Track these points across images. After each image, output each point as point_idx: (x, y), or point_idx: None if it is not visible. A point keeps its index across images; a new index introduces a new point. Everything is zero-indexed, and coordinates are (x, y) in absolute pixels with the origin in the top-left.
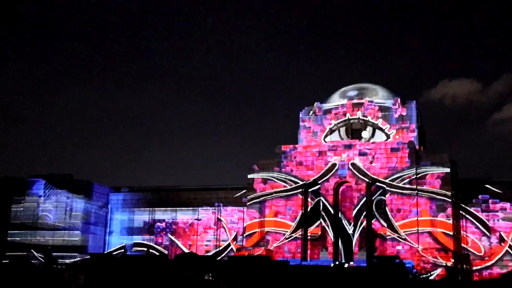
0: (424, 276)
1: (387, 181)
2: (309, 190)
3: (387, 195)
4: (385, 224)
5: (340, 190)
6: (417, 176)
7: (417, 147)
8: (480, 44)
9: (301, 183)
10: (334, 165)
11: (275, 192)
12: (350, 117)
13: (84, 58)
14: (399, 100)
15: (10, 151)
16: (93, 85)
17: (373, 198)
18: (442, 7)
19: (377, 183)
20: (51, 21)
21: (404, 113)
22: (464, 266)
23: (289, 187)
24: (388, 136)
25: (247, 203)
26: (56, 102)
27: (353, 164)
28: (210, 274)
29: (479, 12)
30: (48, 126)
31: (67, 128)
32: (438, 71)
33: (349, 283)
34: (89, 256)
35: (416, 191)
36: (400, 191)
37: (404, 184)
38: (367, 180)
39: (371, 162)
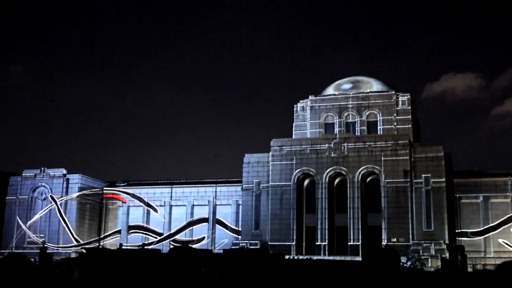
0: (418, 268)
1: (382, 173)
2: (304, 183)
3: (382, 188)
4: (381, 216)
5: (335, 183)
6: (412, 168)
7: (411, 139)
8: (484, 39)
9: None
10: (328, 158)
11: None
12: (344, 110)
13: (78, 53)
14: (393, 93)
15: (2, 145)
16: (88, 80)
17: (368, 190)
18: (448, 1)
19: (372, 176)
20: (47, 17)
21: (398, 106)
22: (459, 257)
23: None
24: (382, 129)
25: None
26: (51, 97)
27: (348, 157)
28: (203, 268)
29: (485, 6)
30: (42, 120)
31: (61, 123)
32: (440, 65)
33: (343, 276)
34: (83, 251)
35: (411, 184)
36: (395, 183)
37: (399, 176)
38: (362, 173)
39: (366, 155)
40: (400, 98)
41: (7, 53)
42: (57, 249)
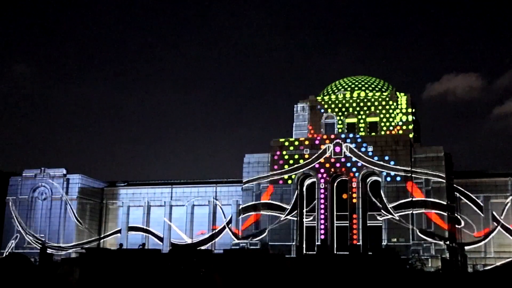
0: (419, 267)
1: (382, 174)
2: (305, 183)
3: (382, 188)
4: (381, 214)
5: (335, 182)
6: (412, 168)
7: (411, 139)
8: (485, 39)
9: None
10: (329, 158)
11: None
12: (344, 110)
13: (79, 53)
14: (394, 92)
15: (2, 145)
16: (88, 80)
17: (368, 190)
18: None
19: (372, 176)
20: (49, 18)
21: (399, 106)
22: (459, 257)
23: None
24: (383, 129)
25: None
26: (51, 97)
27: (348, 157)
28: (204, 268)
29: (485, 6)
30: (42, 120)
31: (62, 123)
32: (441, 65)
33: (344, 274)
34: (84, 251)
35: (411, 184)
36: (395, 183)
37: (399, 176)
38: (362, 173)
39: (366, 155)
40: (401, 98)
41: (9, 53)
42: (57, 249)
